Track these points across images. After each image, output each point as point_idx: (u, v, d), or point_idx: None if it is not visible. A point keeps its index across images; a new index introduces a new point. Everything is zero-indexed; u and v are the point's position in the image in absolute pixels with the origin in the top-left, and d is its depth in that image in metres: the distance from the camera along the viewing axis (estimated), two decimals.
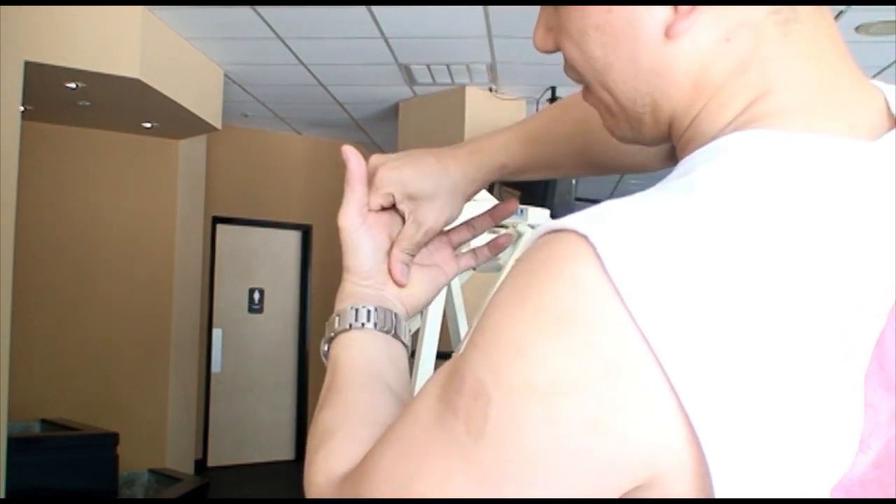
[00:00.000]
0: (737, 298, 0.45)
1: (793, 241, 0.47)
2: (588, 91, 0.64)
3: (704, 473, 0.45)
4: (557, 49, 0.63)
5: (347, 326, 0.74)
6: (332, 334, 0.75)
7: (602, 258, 0.45)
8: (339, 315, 0.75)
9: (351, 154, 0.76)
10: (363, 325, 0.74)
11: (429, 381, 0.55)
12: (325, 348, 0.76)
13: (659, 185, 0.52)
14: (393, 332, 0.76)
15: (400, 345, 0.76)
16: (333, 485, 0.60)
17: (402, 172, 0.78)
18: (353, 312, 0.75)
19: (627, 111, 0.60)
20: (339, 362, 0.73)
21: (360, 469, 0.56)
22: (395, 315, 0.77)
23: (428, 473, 0.50)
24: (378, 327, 0.75)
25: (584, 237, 0.47)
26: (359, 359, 0.73)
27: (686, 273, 0.45)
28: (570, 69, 0.63)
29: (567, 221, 0.48)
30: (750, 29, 0.54)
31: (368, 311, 0.75)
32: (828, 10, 0.57)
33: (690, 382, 0.44)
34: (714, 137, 0.55)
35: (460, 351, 0.53)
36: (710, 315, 0.45)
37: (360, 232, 0.76)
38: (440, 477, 0.50)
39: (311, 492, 0.62)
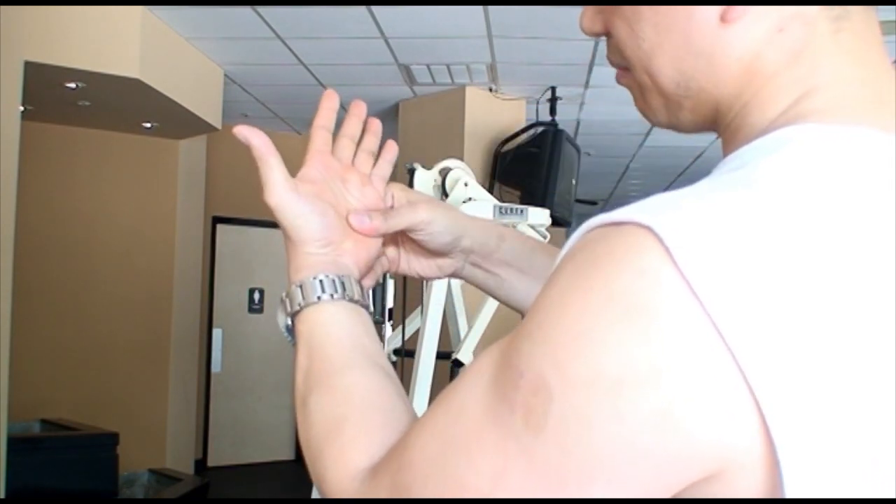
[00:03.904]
0: (805, 291, 0.45)
1: (855, 237, 0.47)
2: (624, 72, 0.64)
3: (772, 467, 0.45)
4: (605, 31, 0.63)
5: (315, 299, 0.71)
6: (299, 307, 0.71)
7: (669, 249, 0.45)
8: (300, 286, 0.71)
9: (248, 132, 0.72)
10: (332, 296, 0.71)
11: (470, 369, 0.53)
12: (289, 322, 0.72)
13: (712, 178, 0.52)
14: (359, 301, 0.73)
15: (366, 313, 0.74)
16: (359, 479, 0.58)
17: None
18: (319, 284, 0.71)
19: (668, 95, 0.60)
20: (316, 339, 0.70)
21: (399, 462, 0.54)
22: (359, 282, 0.74)
23: (482, 468, 0.49)
24: (348, 298, 0.72)
25: (648, 228, 0.46)
26: (340, 335, 0.70)
27: (754, 265, 0.45)
28: (614, 51, 0.63)
29: (624, 214, 0.48)
30: (803, 22, 0.55)
31: (336, 282, 0.71)
32: (874, 12, 0.58)
33: (764, 375, 0.44)
34: (765, 129, 0.55)
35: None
36: (780, 306, 0.45)
37: (301, 202, 0.73)
38: (495, 472, 0.48)
39: (332, 489, 0.60)
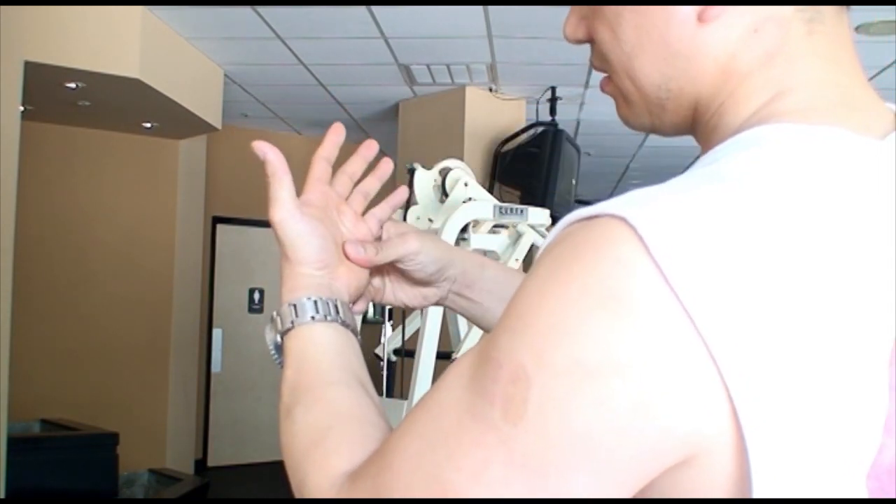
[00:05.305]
0: (776, 282, 0.46)
1: (825, 229, 0.48)
2: (608, 80, 0.65)
3: (741, 453, 0.46)
4: (588, 38, 0.65)
5: (309, 319, 0.71)
6: (291, 325, 0.72)
7: (644, 240, 0.46)
8: (294, 306, 0.72)
9: (266, 147, 0.73)
10: (326, 317, 0.72)
11: (449, 372, 0.54)
12: (279, 340, 0.73)
13: (687, 174, 0.53)
14: (350, 326, 0.74)
15: (356, 338, 0.75)
16: (338, 484, 0.58)
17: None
18: (313, 304, 0.72)
19: (649, 98, 0.62)
20: (303, 356, 0.71)
21: (379, 465, 0.55)
22: (348, 308, 0.75)
23: (462, 463, 0.49)
24: (341, 321, 0.73)
25: (623, 220, 0.47)
26: (330, 353, 0.71)
27: (727, 256, 0.46)
28: (598, 56, 0.65)
29: (600, 207, 0.49)
30: (777, 23, 0.56)
31: (329, 304, 0.73)
32: (846, 16, 0.59)
33: (735, 363, 0.45)
34: (738, 127, 0.57)
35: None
36: (752, 296, 0.45)
37: (303, 222, 0.74)
38: (476, 466, 0.49)
39: (312, 494, 0.61)
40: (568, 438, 0.47)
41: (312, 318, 0.72)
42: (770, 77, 0.57)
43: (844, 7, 0.59)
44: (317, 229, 0.75)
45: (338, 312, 0.73)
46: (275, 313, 0.74)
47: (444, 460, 0.50)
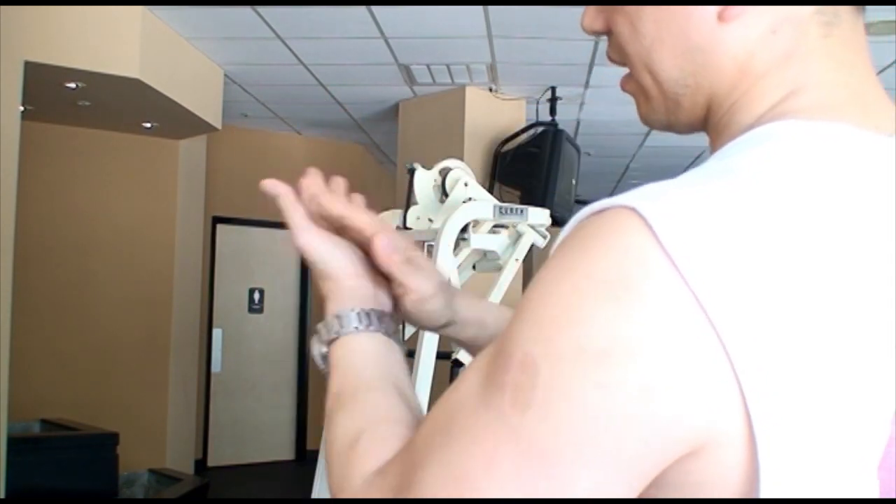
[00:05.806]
0: (785, 273, 0.46)
1: (836, 224, 0.48)
2: (628, 78, 0.66)
3: (752, 445, 0.46)
4: (606, 29, 0.65)
5: (353, 329, 0.73)
6: (335, 336, 0.74)
7: (655, 230, 0.46)
8: (338, 317, 0.74)
9: (273, 185, 0.75)
10: (368, 327, 0.73)
11: (468, 368, 0.55)
12: (324, 350, 0.75)
13: (697, 169, 0.53)
14: (393, 335, 0.75)
15: (398, 347, 0.76)
16: (369, 482, 0.59)
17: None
18: (356, 315, 0.74)
19: (666, 93, 0.62)
20: (346, 364, 0.72)
21: (403, 460, 0.55)
22: (392, 318, 0.76)
23: (475, 451, 0.50)
24: (383, 331, 0.74)
25: (634, 210, 0.48)
26: (372, 361, 0.73)
27: (738, 248, 0.46)
28: (615, 49, 0.65)
29: (610, 200, 0.49)
30: (795, 25, 0.57)
31: (372, 315, 0.74)
32: (862, 18, 0.60)
33: (747, 353, 0.45)
34: (750, 125, 0.57)
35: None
36: (762, 290, 0.46)
37: (324, 240, 0.75)
38: (487, 456, 0.49)
39: (346, 494, 0.62)
40: (575, 426, 0.47)
41: (356, 328, 0.73)
42: (785, 77, 0.58)
43: (861, 8, 0.60)
44: (338, 243, 0.76)
45: (380, 322, 0.74)
46: (320, 325, 0.75)
47: (460, 451, 0.51)
